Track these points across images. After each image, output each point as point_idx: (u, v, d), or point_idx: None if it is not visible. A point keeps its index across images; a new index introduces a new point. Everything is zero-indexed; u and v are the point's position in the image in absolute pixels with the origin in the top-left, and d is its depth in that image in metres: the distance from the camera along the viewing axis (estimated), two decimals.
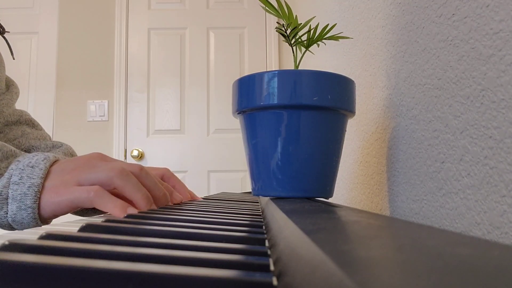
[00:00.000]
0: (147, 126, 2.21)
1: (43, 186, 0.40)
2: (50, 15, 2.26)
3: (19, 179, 0.40)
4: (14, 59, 0.71)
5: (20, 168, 0.40)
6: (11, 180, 0.40)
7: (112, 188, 0.40)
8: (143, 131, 2.20)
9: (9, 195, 0.39)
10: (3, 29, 0.66)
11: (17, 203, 0.39)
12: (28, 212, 0.39)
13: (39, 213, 0.40)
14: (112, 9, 2.27)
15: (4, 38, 0.68)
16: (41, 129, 0.69)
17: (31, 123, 0.67)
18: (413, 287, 0.07)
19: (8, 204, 0.39)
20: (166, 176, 0.57)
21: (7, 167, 0.41)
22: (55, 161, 0.43)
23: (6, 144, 0.44)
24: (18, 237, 0.22)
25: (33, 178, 0.40)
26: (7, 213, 0.39)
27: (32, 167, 0.41)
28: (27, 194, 0.39)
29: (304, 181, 0.41)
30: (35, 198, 0.39)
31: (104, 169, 0.40)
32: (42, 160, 0.41)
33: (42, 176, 0.40)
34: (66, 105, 2.21)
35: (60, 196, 0.39)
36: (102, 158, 0.45)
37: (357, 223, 0.18)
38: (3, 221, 0.40)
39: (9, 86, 0.68)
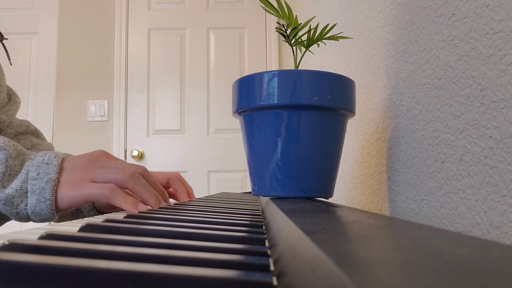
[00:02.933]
0: (147, 126, 2.21)
1: (58, 181, 0.45)
2: (50, 15, 2.26)
3: (37, 175, 0.44)
4: (11, 64, 0.73)
5: (35, 165, 0.45)
6: (29, 176, 0.44)
7: (124, 188, 0.45)
8: (143, 131, 2.20)
9: (28, 189, 0.43)
10: (2, 36, 0.67)
11: (37, 196, 0.43)
12: (47, 204, 0.43)
13: (55, 205, 0.44)
14: (112, 9, 2.27)
15: (3, 44, 0.69)
16: (44, 139, 0.72)
17: (36, 133, 0.70)
18: (413, 287, 0.07)
19: (27, 197, 0.43)
20: (171, 179, 0.61)
21: (20, 165, 0.45)
22: (64, 158, 0.48)
23: (18, 143, 0.48)
24: (18, 237, 0.22)
25: (50, 174, 0.44)
26: (27, 206, 0.43)
27: (46, 163, 0.45)
28: (45, 188, 0.43)
29: (304, 181, 0.41)
30: (53, 191, 0.44)
31: (118, 171, 0.46)
32: (54, 158, 0.46)
33: (57, 171, 0.45)
34: (66, 105, 2.21)
35: (77, 191, 0.44)
36: (108, 156, 0.49)
37: (357, 223, 0.18)
38: (23, 213, 0.44)
39: (11, 96, 0.69)
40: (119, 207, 0.46)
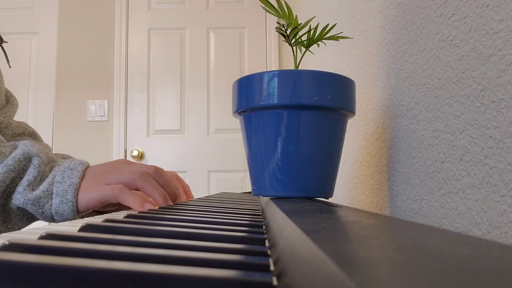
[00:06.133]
0: (147, 126, 2.21)
1: (79, 186, 0.49)
2: (50, 15, 2.26)
3: (61, 179, 0.49)
4: (10, 67, 0.74)
5: (61, 170, 0.49)
6: (55, 179, 0.49)
7: (135, 188, 0.49)
8: (143, 131, 2.20)
9: (53, 191, 0.48)
10: (1, 39, 0.67)
11: (60, 198, 0.48)
12: (69, 205, 0.48)
13: (76, 207, 0.48)
14: (112, 9, 2.27)
15: (2, 47, 0.69)
16: (42, 140, 0.74)
17: (34, 135, 0.71)
18: (413, 287, 0.07)
19: (52, 199, 0.48)
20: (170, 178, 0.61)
21: (50, 171, 0.50)
22: (88, 166, 0.52)
23: (49, 152, 0.52)
24: (18, 237, 0.22)
25: (72, 178, 0.49)
26: (51, 206, 0.48)
27: (71, 169, 0.50)
28: (68, 190, 0.48)
29: (304, 181, 0.41)
30: (74, 194, 0.48)
31: (128, 172, 0.49)
32: (79, 165, 0.51)
33: (80, 177, 0.49)
34: (66, 105, 2.21)
35: (92, 193, 0.48)
36: (126, 162, 0.54)
37: (357, 223, 0.18)
38: (47, 213, 0.48)
39: (9, 98, 0.70)
40: (126, 207, 0.50)
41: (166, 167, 2.14)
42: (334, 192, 0.59)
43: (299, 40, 0.46)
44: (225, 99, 2.21)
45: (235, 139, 2.18)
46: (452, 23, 0.34)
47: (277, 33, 0.58)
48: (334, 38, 0.46)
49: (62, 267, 0.13)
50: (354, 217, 0.21)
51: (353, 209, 0.28)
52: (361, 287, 0.07)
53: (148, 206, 0.45)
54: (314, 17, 0.55)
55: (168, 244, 0.19)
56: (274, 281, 0.13)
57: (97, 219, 0.30)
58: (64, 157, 0.65)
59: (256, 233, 0.25)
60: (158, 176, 0.51)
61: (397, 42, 0.47)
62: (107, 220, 0.27)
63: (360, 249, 0.11)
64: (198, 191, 2.13)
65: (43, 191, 0.48)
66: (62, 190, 0.48)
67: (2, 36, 0.68)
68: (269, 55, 2.24)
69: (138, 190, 0.49)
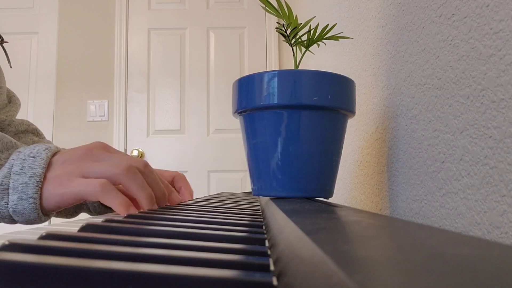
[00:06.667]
0: (147, 126, 2.21)
1: (45, 177, 0.39)
2: (50, 15, 2.26)
3: (21, 169, 0.39)
4: (11, 67, 0.73)
5: (21, 158, 0.39)
6: (12, 170, 0.39)
7: (117, 184, 0.40)
8: (143, 131, 2.20)
9: (10, 185, 0.38)
10: (2, 39, 0.67)
11: (18, 193, 0.38)
12: (30, 202, 0.38)
13: (41, 205, 0.39)
14: (112, 9, 2.27)
15: (3, 47, 0.69)
16: (44, 137, 0.72)
17: (36, 132, 0.70)
18: (413, 287, 0.07)
19: (9, 195, 0.39)
20: (176, 178, 0.58)
21: (7, 158, 0.40)
22: (57, 152, 0.42)
23: (6, 135, 0.44)
24: (18, 237, 0.22)
25: (35, 168, 0.39)
26: (7, 204, 0.39)
27: (33, 157, 0.40)
28: (28, 184, 0.38)
29: (304, 181, 0.41)
30: (37, 188, 0.39)
31: (111, 164, 0.40)
32: (44, 150, 0.40)
33: (44, 166, 0.39)
34: (66, 105, 2.21)
35: (64, 188, 0.39)
36: (105, 148, 0.44)
37: (357, 223, 0.18)
38: (3, 212, 0.39)
39: (11, 98, 0.70)
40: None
41: (166, 167, 2.14)
42: (334, 192, 0.59)
43: (299, 40, 0.46)
44: (225, 99, 2.21)
45: (235, 139, 2.18)
46: (452, 23, 0.34)
47: (277, 33, 0.57)
48: (334, 38, 0.46)
49: (62, 267, 0.13)
50: (354, 217, 0.21)
51: (353, 209, 0.28)
52: (361, 287, 0.07)
53: (133, 211, 0.38)
54: (314, 17, 0.55)
55: (168, 244, 0.19)
56: (274, 281, 0.13)
57: (97, 219, 0.30)
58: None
59: (256, 233, 0.25)
60: (146, 173, 0.43)
61: (397, 42, 0.47)
62: (107, 220, 0.27)
63: (360, 249, 0.11)
64: (198, 191, 2.13)
65: None
66: (21, 184, 0.38)
67: (3, 36, 0.69)
68: (269, 55, 2.24)
69: (120, 186, 0.40)
